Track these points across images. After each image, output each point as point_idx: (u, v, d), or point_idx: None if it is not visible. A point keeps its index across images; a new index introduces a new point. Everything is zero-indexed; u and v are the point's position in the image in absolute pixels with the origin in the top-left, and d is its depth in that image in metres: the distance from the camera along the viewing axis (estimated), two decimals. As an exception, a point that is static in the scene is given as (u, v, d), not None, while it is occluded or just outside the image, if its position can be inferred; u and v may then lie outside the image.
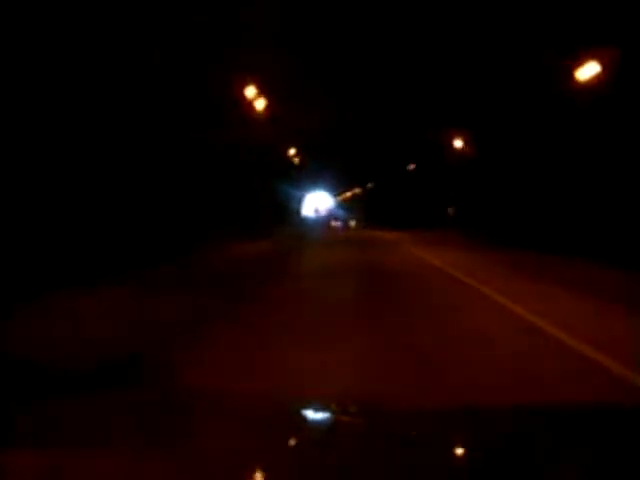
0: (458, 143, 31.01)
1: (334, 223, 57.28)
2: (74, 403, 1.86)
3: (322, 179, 68.09)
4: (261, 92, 22.54)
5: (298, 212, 67.37)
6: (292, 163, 44.58)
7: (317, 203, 73.77)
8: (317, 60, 33.18)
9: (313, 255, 18.49)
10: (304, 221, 59.00)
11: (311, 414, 1.94)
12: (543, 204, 21.91)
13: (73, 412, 1.70)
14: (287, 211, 51.17)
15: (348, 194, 79.95)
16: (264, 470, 1.36)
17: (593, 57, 15.83)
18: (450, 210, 37.66)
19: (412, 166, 45.85)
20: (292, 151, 42.48)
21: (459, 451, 1.59)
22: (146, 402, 1.89)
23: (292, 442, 1.63)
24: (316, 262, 15.70)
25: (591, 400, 3.71)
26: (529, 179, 23.55)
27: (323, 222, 59.21)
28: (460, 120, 29.33)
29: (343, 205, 76.59)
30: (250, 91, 21.18)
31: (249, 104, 21.83)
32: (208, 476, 1.30)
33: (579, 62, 16.62)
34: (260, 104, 22.30)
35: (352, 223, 57.48)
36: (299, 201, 68.77)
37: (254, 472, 1.38)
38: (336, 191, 77.68)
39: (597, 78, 15.96)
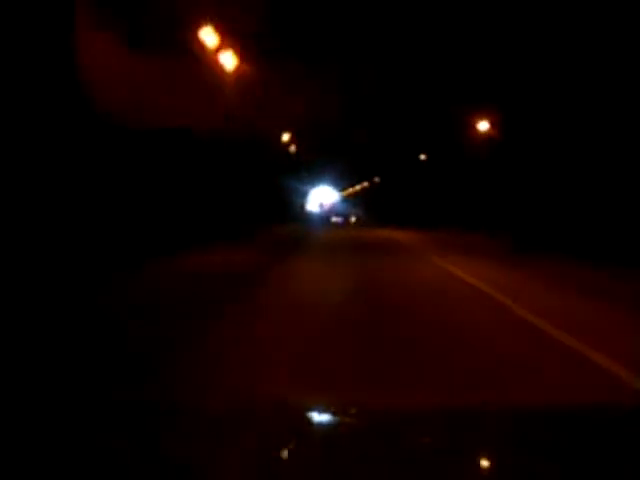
0: (483, 125, 25.46)
1: (335, 218, 56.77)
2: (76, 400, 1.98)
3: (328, 173, 67.86)
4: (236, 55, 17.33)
5: (303, 207, 66.43)
6: (287, 152, 38.40)
7: (322, 198, 72.58)
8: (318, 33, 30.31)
9: (301, 272, 12.60)
10: (308, 217, 57.24)
11: (311, 415, 1.92)
12: (594, 199, 17.10)
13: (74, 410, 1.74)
14: (289, 207, 47.85)
15: (355, 188, 78.01)
16: (266, 471, 1.36)
17: None
18: (466, 206, 32.32)
19: (424, 156, 40.10)
20: (286, 137, 36.31)
21: (460, 452, 1.52)
22: (146, 401, 2.02)
23: (293, 443, 1.60)
24: (303, 287, 9.73)
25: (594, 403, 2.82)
26: (573, 169, 18.75)
27: (325, 217, 58.90)
28: (486, 96, 23.99)
29: (348, 200, 75.27)
30: (208, 35, 15.48)
31: (212, 57, 16.46)
32: (210, 476, 1.31)
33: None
34: (228, 61, 16.78)
35: (352, 219, 57.88)
36: (304, 196, 68.47)
37: (255, 473, 1.37)
38: (342, 186, 76.73)
39: None
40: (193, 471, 1.31)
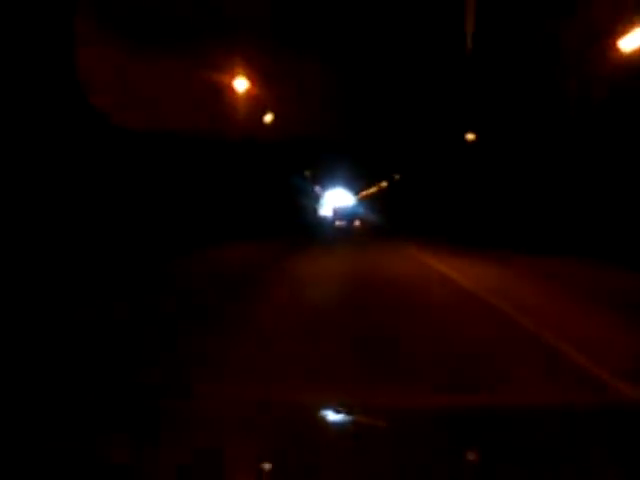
0: (632, 41, 12.43)
1: (338, 223, 56.96)
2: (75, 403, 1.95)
3: (341, 173, 65.04)
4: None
5: (315, 212, 63.38)
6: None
7: (337, 202, 68.49)
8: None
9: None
10: (317, 223, 51.96)
11: (314, 414, 1.93)
12: None
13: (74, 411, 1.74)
14: (297, 212, 43.26)
15: (372, 190, 70.88)
16: (268, 471, 1.39)
17: None
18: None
19: (472, 136, 27.08)
20: (268, 117, 26.39)
21: (462, 451, 1.57)
22: (151, 402, 1.99)
23: (294, 443, 1.60)
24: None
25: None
26: None
27: (331, 222, 57.76)
28: None
29: (363, 204, 69.71)
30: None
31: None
32: (213, 476, 1.33)
33: None
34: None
35: (356, 222, 57.59)
36: (316, 199, 65.85)
37: (258, 473, 1.39)
38: (359, 188, 72.67)
39: None
40: (200, 471, 1.29)
